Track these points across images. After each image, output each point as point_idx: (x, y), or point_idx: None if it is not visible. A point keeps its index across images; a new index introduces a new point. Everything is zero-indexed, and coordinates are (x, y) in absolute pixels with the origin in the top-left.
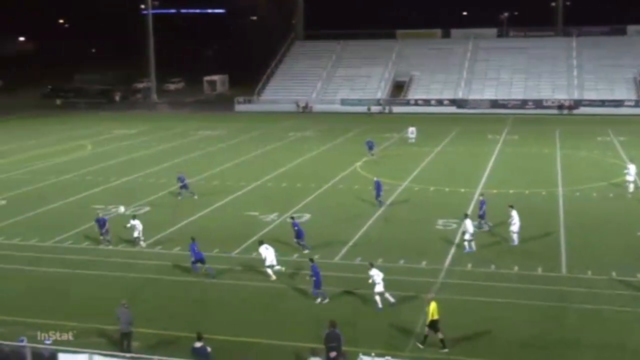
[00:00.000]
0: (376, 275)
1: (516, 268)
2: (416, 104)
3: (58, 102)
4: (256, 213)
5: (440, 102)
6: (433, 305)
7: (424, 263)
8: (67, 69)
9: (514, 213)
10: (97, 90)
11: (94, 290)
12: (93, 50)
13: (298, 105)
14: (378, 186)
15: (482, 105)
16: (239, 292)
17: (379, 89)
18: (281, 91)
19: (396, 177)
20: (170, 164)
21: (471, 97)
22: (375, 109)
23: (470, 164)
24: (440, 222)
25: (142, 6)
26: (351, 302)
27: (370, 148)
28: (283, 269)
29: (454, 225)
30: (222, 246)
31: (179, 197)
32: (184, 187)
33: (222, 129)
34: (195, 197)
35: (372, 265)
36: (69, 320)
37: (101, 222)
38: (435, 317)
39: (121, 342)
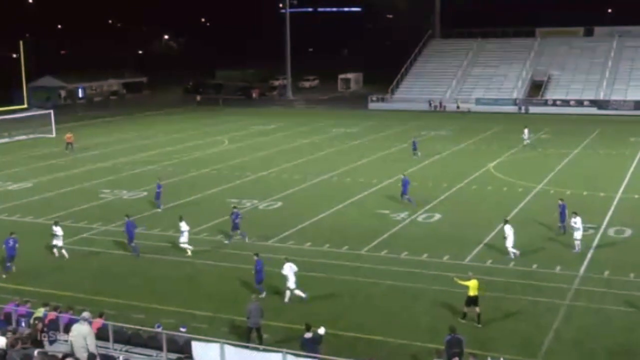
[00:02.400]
0: (288, 269)
1: None
2: (554, 104)
3: (198, 98)
4: (387, 211)
5: (580, 103)
6: (472, 282)
7: (558, 268)
8: (208, 66)
9: (578, 220)
10: (236, 87)
11: (226, 281)
12: (232, 48)
13: (430, 104)
14: (405, 184)
15: (625, 106)
16: (366, 289)
17: (515, 89)
18: (415, 90)
19: (531, 180)
20: (304, 160)
21: (613, 97)
22: (510, 109)
23: (610, 167)
24: None
25: (280, 5)
26: (483, 304)
27: (415, 148)
28: (191, 248)
29: (591, 231)
30: (352, 243)
31: (160, 208)
32: (157, 195)
33: (356, 127)
34: (160, 209)
35: (287, 260)
36: (202, 310)
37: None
38: (471, 294)
39: (248, 335)
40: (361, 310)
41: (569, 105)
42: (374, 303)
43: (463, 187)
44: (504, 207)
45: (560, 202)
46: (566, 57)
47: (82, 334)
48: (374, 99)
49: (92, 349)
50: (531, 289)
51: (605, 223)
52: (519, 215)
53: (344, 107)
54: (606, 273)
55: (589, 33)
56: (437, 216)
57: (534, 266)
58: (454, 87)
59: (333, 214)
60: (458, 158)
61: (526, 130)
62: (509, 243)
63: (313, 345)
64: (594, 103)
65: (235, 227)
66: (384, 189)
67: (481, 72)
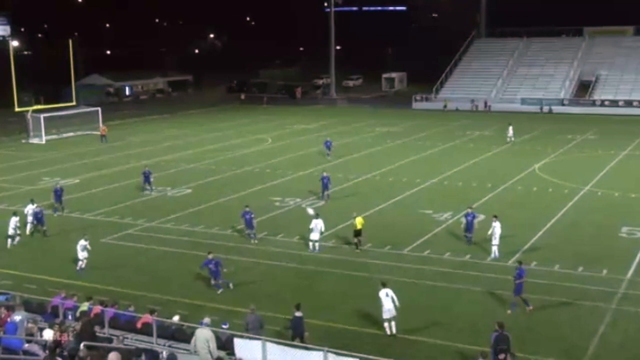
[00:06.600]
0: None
1: None
2: (602, 104)
3: (242, 96)
4: (430, 211)
5: (629, 104)
6: (357, 220)
7: (604, 272)
8: (252, 65)
9: (497, 224)
10: (280, 86)
11: (269, 279)
12: (276, 47)
13: (472, 103)
14: (327, 181)
15: None
16: (407, 289)
17: (562, 89)
18: (459, 89)
19: (578, 181)
20: (347, 159)
21: None
22: (532, 108)
23: None
24: (624, 229)
25: (325, 4)
26: (525, 307)
27: (328, 148)
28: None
29: None
30: (394, 243)
31: (145, 192)
32: (148, 182)
33: (399, 126)
34: (153, 194)
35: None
36: (244, 307)
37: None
38: (358, 227)
39: None
40: (402, 310)
41: (618, 106)
42: (414, 304)
43: (508, 188)
44: (549, 208)
45: (468, 210)
46: (615, 56)
47: (205, 337)
48: (418, 98)
49: (214, 351)
50: (576, 292)
51: None
52: (565, 217)
53: (388, 107)
54: None
55: (638, 32)
56: (481, 217)
57: (580, 269)
58: (499, 87)
59: (375, 213)
60: (503, 159)
61: (510, 128)
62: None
63: (301, 322)
64: None
65: (250, 225)
66: (426, 188)
67: (527, 72)
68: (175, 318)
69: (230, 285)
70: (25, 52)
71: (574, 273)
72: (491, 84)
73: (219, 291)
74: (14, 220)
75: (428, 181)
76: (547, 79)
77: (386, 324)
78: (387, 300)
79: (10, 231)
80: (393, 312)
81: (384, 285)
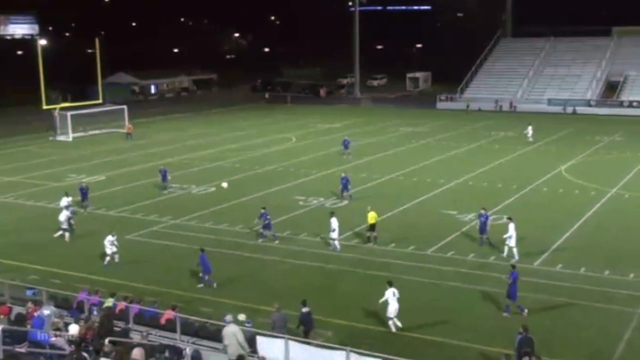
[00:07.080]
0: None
1: None
2: (630, 105)
3: (266, 95)
4: (454, 212)
5: None
6: (370, 214)
7: (631, 275)
8: (276, 64)
9: (511, 226)
10: (304, 85)
11: (291, 278)
12: (300, 46)
13: (496, 104)
14: (346, 182)
15: None
16: (429, 290)
17: (589, 89)
18: (485, 89)
19: (605, 183)
20: (370, 159)
21: None
22: (558, 109)
23: None
24: None
25: (350, 3)
26: (550, 310)
27: (346, 147)
28: None
29: None
30: (418, 243)
31: (169, 190)
32: (165, 179)
33: (423, 126)
34: (166, 192)
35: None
36: (267, 305)
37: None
38: (372, 222)
39: None
40: (423, 311)
41: None
42: (436, 304)
43: (533, 189)
44: (575, 210)
45: (482, 212)
46: None
47: (232, 332)
48: (443, 98)
49: (243, 343)
50: (602, 295)
51: None
52: (591, 219)
53: (412, 106)
54: None
55: None
56: (504, 218)
57: (606, 272)
58: (525, 87)
59: (399, 213)
60: (528, 160)
61: (530, 128)
62: (512, 242)
63: (310, 317)
64: None
65: (268, 227)
66: (451, 189)
67: (554, 72)
68: (242, 317)
69: (213, 284)
70: (53, 51)
71: (600, 276)
72: (517, 84)
73: (199, 285)
74: (64, 214)
75: (452, 182)
76: (574, 79)
77: (391, 322)
78: (394, 300)
79: (65, 225)
80: (396, 312)
81: (391, 285)
